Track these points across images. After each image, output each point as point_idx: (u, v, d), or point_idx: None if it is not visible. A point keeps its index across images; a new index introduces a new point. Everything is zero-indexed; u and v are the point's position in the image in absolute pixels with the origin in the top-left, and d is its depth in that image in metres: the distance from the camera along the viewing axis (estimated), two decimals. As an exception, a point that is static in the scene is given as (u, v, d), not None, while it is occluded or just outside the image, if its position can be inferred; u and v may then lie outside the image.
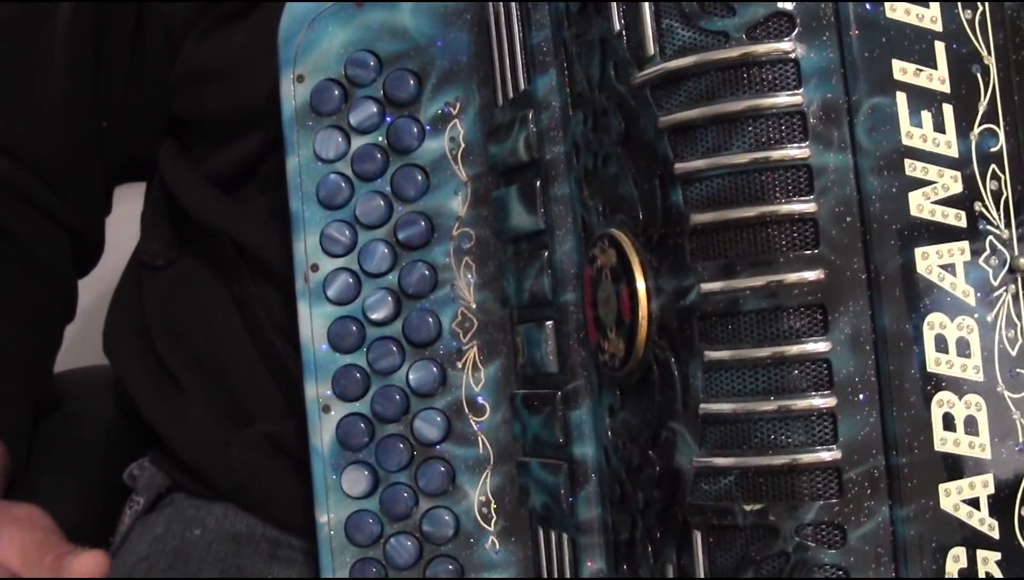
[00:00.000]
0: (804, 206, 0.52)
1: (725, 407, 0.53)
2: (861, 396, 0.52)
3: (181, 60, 0.76)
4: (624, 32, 0.56)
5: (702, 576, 0.54)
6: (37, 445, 0.85)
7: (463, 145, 0.68)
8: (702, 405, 0.53)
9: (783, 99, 0.52)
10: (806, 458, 0.52)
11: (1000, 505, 0.52)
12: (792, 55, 0.52)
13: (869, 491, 0.51)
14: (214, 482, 0.83)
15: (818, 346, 0.52)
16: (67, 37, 0.76)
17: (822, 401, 0.52)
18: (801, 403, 0.52)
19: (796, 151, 0.52)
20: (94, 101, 0.78)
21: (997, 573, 0.52)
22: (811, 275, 0.52)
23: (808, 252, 0.52)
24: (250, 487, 0.81)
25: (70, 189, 0.78)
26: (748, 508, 0.52)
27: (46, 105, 0.77)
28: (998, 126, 0.53)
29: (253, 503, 0.83)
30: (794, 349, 0.52)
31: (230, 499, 0.83)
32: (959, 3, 0.53)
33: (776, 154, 0.52)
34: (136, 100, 0.79)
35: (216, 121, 0.75)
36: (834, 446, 0.51)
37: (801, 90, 0.52)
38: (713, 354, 0.53)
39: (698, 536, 0.54)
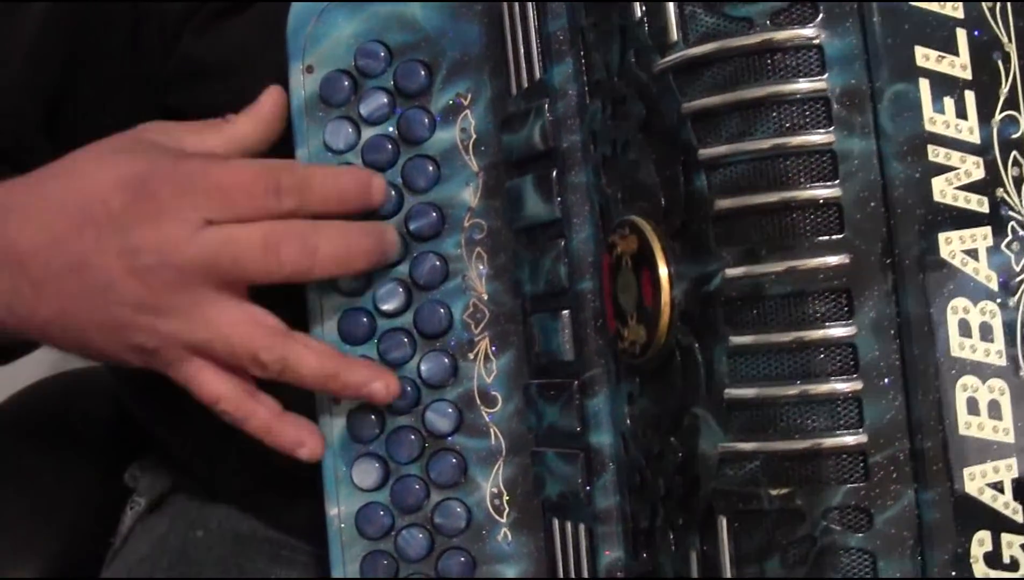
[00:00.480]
0: (828, 191, 0.52)
1: (750, 392, 0.53)
2: (886, 380, 0.52)
3: (177, 56, 0.76)
4: (645, 19, 0.56)
5: (727, 561, 0.54)
6: (38, 445, 0.84)
7: (474, 136, 0.68)
8: (727, 390, 0.53)
9: (807, 85, 0.52)
10: (831, 442, 0.52)
11: None
12: (816, 41, 0.52)
13: (895, 475, 0.52)
14: (216, 483, 0.82)
15: (843, 331, 0.52)
16: (39, 31, 0.75)
17: (847, 385, 0.52)
18: (826, 387, 0.52)
19: (820, 137, 0.52)
20: (64, 95, 0.77)
21: (1021, 556, 0.52)
22: (835, 260, 0.52)
23: (832, 237, 0.52)
24: (251, 489, 0.81)
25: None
26: (774, 493, 0.52)
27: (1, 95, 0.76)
28: (1019, 112, 0.54)
29: (254, 505, 0.82)
30: (819, 334, 0.52)
31: (232, 500, 0.83)
32: (980, -10, 0.53)
33: (800, 140, 0.52)
34: (131, 96, 0.78)
35: (212, 116, 0.75)
36: (860, 430, 0.52)
37: (825, 76, 0.52)
38: (738, 339, 0.53)
39: (723, 521, 0.54)
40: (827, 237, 0.52)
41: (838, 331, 0.52)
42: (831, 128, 0.52)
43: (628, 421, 0.60)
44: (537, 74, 0.64)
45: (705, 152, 0.54)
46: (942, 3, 0.53)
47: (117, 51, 0.75)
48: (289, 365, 0.63)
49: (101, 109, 0.76)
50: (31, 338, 0.67)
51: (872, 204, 0.52)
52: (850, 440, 0.52)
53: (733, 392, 0.53)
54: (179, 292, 0.61)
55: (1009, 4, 0.53)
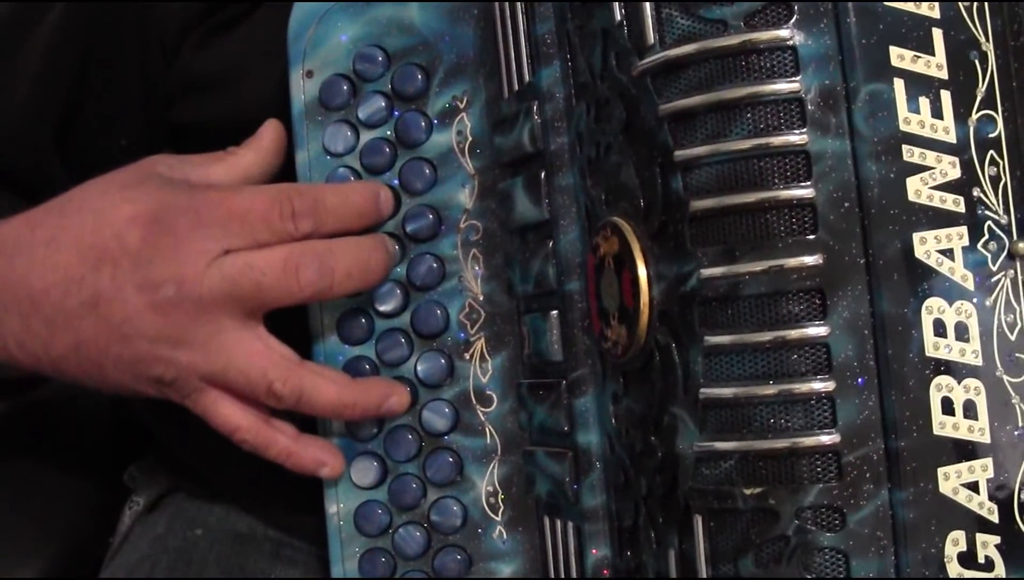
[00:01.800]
0: (802, 192, 0.52)
1: (725, 391, 0.53)
2: (860, 380, 0.52)
3: (177, 71, 0.76)
4: (625, 22, 0.56)
5: (703, 560, 0.54)
6: (38, 445, 0.86)
7: (470, 138, 0.69)
8: (702, 390, 0.54)
9: (781, 86, 0.52)
10: (806, 442, 0.52)
11: (1000, 489, 0.52)
12: (790, 42, 0.52)
13: (868, 474, 0.52)
14: (215, 482, 0.83)
15: (817, 330, 0.52)
16: (48, 52, 0.77)
17: (821, 385, 0.52)
18: (801, 387, 0.52)
19: (794, 137, 0.52)
20: (73, 114, 0.78)
21: (996, 557, 0.52)
22: (810, 260, 0.52)
23: (807, 237, 0.52)
24: (251, 488, 0.82)
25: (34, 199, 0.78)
26: (748, 492, 0.53)
27: (9, 117, 0.78)
28: (996, 112, 0.53)
29: (255, 503, 0.83)
30: (793, 333, 0.52)
31: (232, 499, 0.84)
32: (957, -10, 0.53)
33: (774, 140, 0.52)
34: (138, 114, 0.79)
35: (214, 129, 0.76)
36: (833, 430, 0.52)
37: (799, 77, 0.52)
38: (713, 339, 0.53)
39: (699, 520, 0.54)
40: (801, 237, 0.52)
41: (812, 331, 0.52)
42: (805, 129, 0.52)
43: (613, 420, 0.60)
44: (527, 76, 0.65)
45: (681, 153, 0.54)
46: (918, 3, 0.53)
47: (123, 70, 0.77)
48: (305, 396, 0.64)
49: (110, 128, 0.78)
50: (44, 374, 0.68)
51: (846, 204, 0.52)
52: (823, 440, 0.52)
53: (708, 392, 0.54)
54: (198, 323, 0.62)
55: (987, 4, 0.53)
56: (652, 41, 0.55)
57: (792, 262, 0.52)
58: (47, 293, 0.63)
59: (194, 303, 0.61)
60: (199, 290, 0.61)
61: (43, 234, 0.65)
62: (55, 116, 0.77)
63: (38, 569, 0.83)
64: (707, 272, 0.53)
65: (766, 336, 0.53)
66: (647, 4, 0.55)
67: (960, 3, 0.53)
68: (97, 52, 0.77)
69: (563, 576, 0.64)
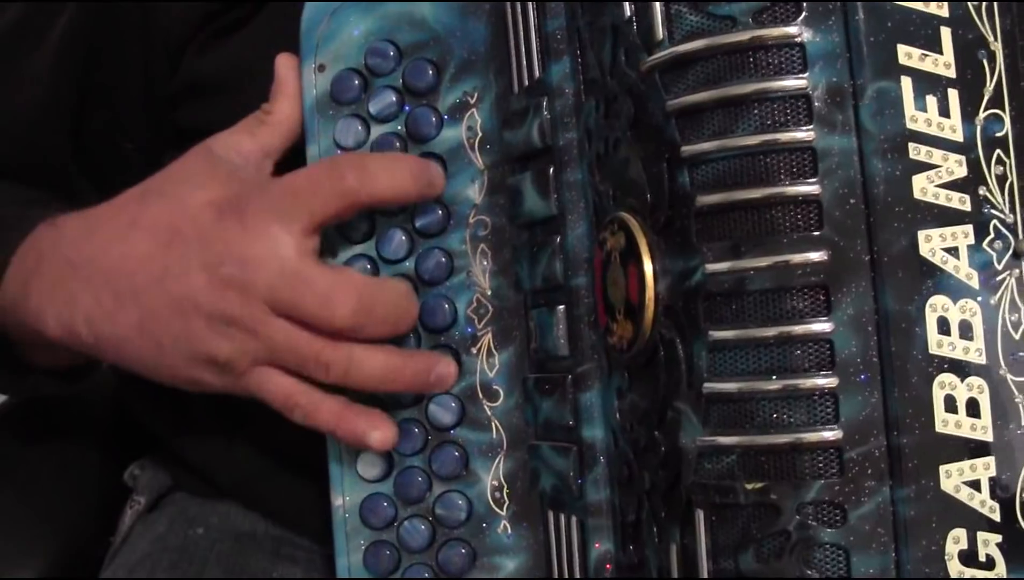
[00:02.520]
0: (808, 188, 0.52)
1: (729, 386, 0.53)
2: (863, 376, 0.52)
3: (182, 74, 0.77)
4: (634, 18, 0.57)
5: (704, 554, 0.54)
6: (38, 445, 0.86)
7: (480, 134, 0.69)
8: (706, 384, 0.54)
9: (789, 83, 0.53)
10: (808, 437, 0.52)
11: (1001, 488, 0.52)
12: (798, 39, 0.52)
13: (870, 471, 0.52)
14: (216, 480, 0.84)
15: (821, 326, 0.52)
16: (58, 55, 0.78)
17: (824, 381, 0.52)
18: (804, 383, 0.52)
19: (801, 134, 0.52)
20: (83, 117, 0.79)
21: (998, 555, 0.52)
22: (815, 256, 0.52)
23: (812, 233, 0.52)
24: (253, 485, 0.82)
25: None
26: (750, 487, 0.53)
27: (23, 119, 0.79)
28: (1004, 111, 0.54)
29: (256, 501, 0.83)
30: (798, 329, 0.52)
31: (233, 497, 0.84)
32: (966, -11, 0.53)
33: (781, 137, 0.53)
34: (140, 116, 0.80)
35: (220, 132, 0.76)
36: (835, 426, 0.52)
37: (806, 74, 0.52)
38: (717, 334, 0.54)
39: (700, 515, 0.54)
40: (806, 234, 0.52)
41: (816, 327, 0.52)
42: (812, 125, 0.52)
43: (618, 415, 0.60)
44: (537, 73, 0.65)
45: (688, 149, 0.54)
46: (927, 2, 0.53)
47: (127, 73, 0.77)
48: (355, 361, 0.65)
49: (116, 132, 0.79)
50: (106, 356, 0.69)
51: (852, 201, 0.52)
52: (826, 435, 0.52)
53: (712, 386, 0.54)
54: (252, 306, 0.64)
55: (995, 3, 0.53)
56: (661, 37, 0.55)
57: (797, 258, 0.52)
58: (121, 268, 0.66)
59: (249, 286, 0.63)
60: (256, 277, 0.63)
61: (123, 218, 0.68)
62: (67, 118, 0.78)
63: (38, 569, 0.83)
64: (712, 267, 0.54)
65: (770, 332, 0.53)
66: (657, 1, 0.55)
67: (969, 2, 0.53)
68: (102, 56, 0.77)
69: (567, 570, 0.64)
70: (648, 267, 0.56)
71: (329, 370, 0.64)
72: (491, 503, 0.69)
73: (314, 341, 0.64)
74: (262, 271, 0.63)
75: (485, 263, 0.69)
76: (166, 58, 0.76)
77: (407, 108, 0.70)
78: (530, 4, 0.65)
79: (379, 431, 0.67)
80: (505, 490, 0.69)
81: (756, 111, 0.53)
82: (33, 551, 0.84)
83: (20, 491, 0.84)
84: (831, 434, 0.52)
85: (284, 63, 0.70)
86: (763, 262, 0.53)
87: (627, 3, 0.57)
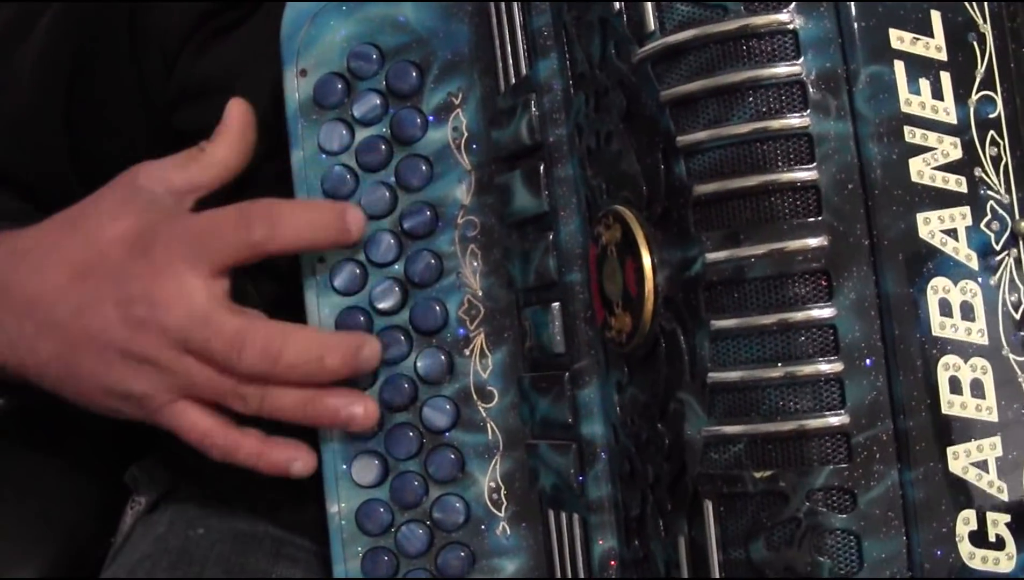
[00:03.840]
0: (806, 174, 0.52)
1: (733, 375, 0.53)
2: (867, 361, 0.52)
3: (178, 76, 0.77)
4: (624, 10, 0.56)
5: (714, 545, 0.54)
6: (38, 445, 0.85)
7: (466, 134, 0.69)
8: (710, 374, 0.54)
9: (782, 69, 0.53)
10: (814, 424, 0.52)
11: (1008, 467, 0.52)
12: (790, 26, 0.52)
13: (878, 455, 0.52)
14: (216, 481, 0.83)
15: (823, 312, 0.52)
16: (40, 56, 0.77)
17: (829, 367, 0.52)
18: (808, 369, 0.52)
19: (796, 120, 0.52)
20: (74, 119, 0.79)
21: (1007, 535, 0.52)
22: (814, 242, 0.52)
23: (811, 219, 0.52)
24: (252, 486, 0.81)
25: (47, 201, 0.78)
26: (758, 475, 0.53)
27: (10, 120, 0.79)
28: (995, 93, 0.54)
29: (255, 502, 0.83)
30: (800, 315, 0.52)
31: (233, 498, 0.83)
32: (954, -28, 0.53)
33: (776, 124, 0.53)
34: (134, 119, 0.79)
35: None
36: (842, 411, 0.52)
37: (800, 60, 0.52)
38: (719, 323, 0.53)
39: (709, 505, 0.54)
40: (805, 219, 0.52)
41: (818, 313, 0.52)
42: (807, 111, 0.52)
43: (618, 410, 0.60)
44: (523, 70, 0.65)
45: (683, 138, 0.54)
46: (916, -15, 0.53)
47: (117, 76, 0.76)
48: (269, 394, 0.65)
49: (109, 134, 0.78)
50: (29, 380, 0.70)
51: (850, 186, 0.52)
52: (833, 421, 0.52)
53: (716, 376, 0.54)
54: (163, 347, 0.65)
55: (984, -15, 0.54)
56: (652, 28, 0.55)
57: (796, 244, 0.52)
58: (41, 299, 0.67)
59: (160, 328, 0.65)
60: (165, 318, 0.64)
61: (46, 245, 0.69)
62: (58, 120, 0.77)
63: (39, 569, 0.82)
64: (712, 256, 0.53)
65: (772, 319, 0.53)
66: (647, -8, 0.55)
67: (958, -15, 0.53)
68: (89, 57, 0.76)
69: (569, 569, 0.64)
70: (646, 259, 0.56)
71: (246, 402, 0.65)
72: (489, 505, 0.69)
73: (228, 378, 0.65)
74: (171, 314, 0.64)
75: (475, 264, 0.69)
76: (162, 60, 0.75)
77: (391, 110, 0.70)
78: (515, 3, 0.64)
79: (300, 462, 0.67)
80: (503, 491, 0.69)
81: (751, 99, 0.53)
82: (33, 551, 0.83)
83: (21, 491, 0.83)
84: (837, 419, 0.52)
85: (234, 107, 0.70)
86: (763, 249, 0.53)
87: (616, -4, 0.57)
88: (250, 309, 0.67)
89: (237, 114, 0.70)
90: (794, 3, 0.52)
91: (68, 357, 0.67)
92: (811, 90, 0.52)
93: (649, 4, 0.55)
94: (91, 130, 0.78)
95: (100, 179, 0.70)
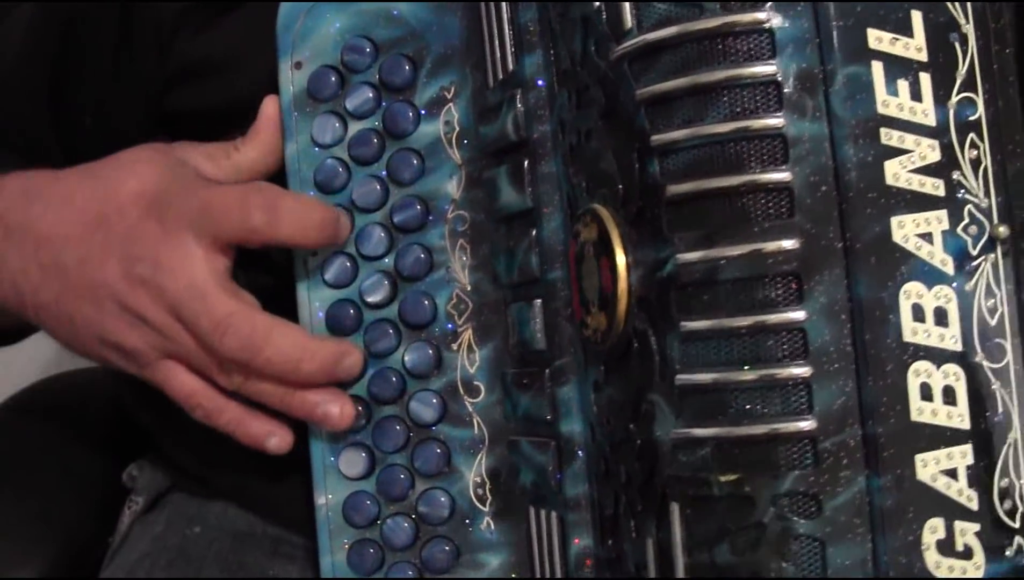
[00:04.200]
0: (779, 175, 0.52)
1: (702, 377, 0.53)
2: (837, 365, 0.51)
3: (173, 57, 0.77)
4: (603, 7, 0.56)
5: (679, 547, 0.53)
6: (37, 445, 0.86)
7: (457, 128, 0.69)
8: (679, 376, 0.53)
9: (758, 69, 0.52)
10: (782, 428, 0.51)
11: (978, 476, 0.51)
12: (767, 25, 0.52)
13: (845, 461, 0.51)
14: (213, 481, 0.84)
15: (794, 315, 0.51)
16: (28, 29, 0.78)
17: (798, 370, 0.51)
18: (778, 372, 0.52)
19: (771, 120, 0.52)
20: (60, 94, 0.79)
21: (976, 544, 0.51)
22: (787, 244, 0.51)
23: (784, 221, 0.52)
24: (248, 485, 0.82)
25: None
26: (724, 479, 0.52)
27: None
28: (976, 95, 0.53)
29: (252, 501, 0.83)
30: (771, 318, 0.52)
31: (230, 497, 0.84)
32: (937, -29, 0.52)
33: (751, 124, 0.52)
34: (126, 98, 0.79)
35: (211, 114, 0.77)
36: (810, 416, 0.51)
37: (776, 60, 0.52)
38: (690, 324, 0.53)
39: (675, 508, 0.54)
40: (778, 221, 0.52)
41: (789, 315, 0.52)
42: (782, 112, 0.52)
43: (595, 409, 0.60)
44: (511, 66, 0.64)
45: (658, 137, 0.54)
46: (897, -16, 0.52)
47: (107, 53, 0.77)
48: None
49: (97, 112, 0.78)
50: (28, 319, 0.71)
51: (823, 188, 0.52)
52: (800, 426, 0.51)
53: (685, 378, 0.53)
54: (159, 309, 0.65)
55: (967, -15, 0.53)
56: (630, 26, 0.55)
57: (769, 246, 0.52)
58: (50, 241, 0.68)
59: (159, 290, 0.65)
60: (166, 282, 0.65)
61: (63, 189, 0.69)
62: (45, 93, 0.78)
63: (38, 569, 0.83)
64: (684, 257, 0.53)
65: (743, 321, 0.52)
66: (625, -12, 0.54)
67: (940, -16, 0.52)
68: (78, 33, 0.77)
69: (548, 566, 0.64)
70: (620, 259, 0.56)
71: (229, 378, 0.66)
72: (474, 500, 0.69)
73: (210, 355, 0.66)
74: (171, 280, 0.65)
75: (464, 258, 0.69)
76: (156, 40, 0.76)
77: (384, 104, 0.70)
78: (503, -2, 0.64)
79: (276, 438, 0.68)
80: (488, 486, 0.69)
81: (726, 98, 0.52)
82: (33, 551, 0.84)
83: (20, 491, 0.84)
84: (805, 424, 0.51)
85: (268, 107, 0.71)
86: (735, 251, 0.52)
87: (596, -8, 0.56)
88: (246, 294, 0.67)
89: (270, 116, 0.70)
90: (771, 2, 0.52)
91: (67, 302, 0.67)
92: (787, 90, 0.52)
93: (627, 2, 0.55)
94: (77, 106, 0.79)
95: (86, 156, 0.71)
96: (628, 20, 0.55)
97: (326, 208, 0.68)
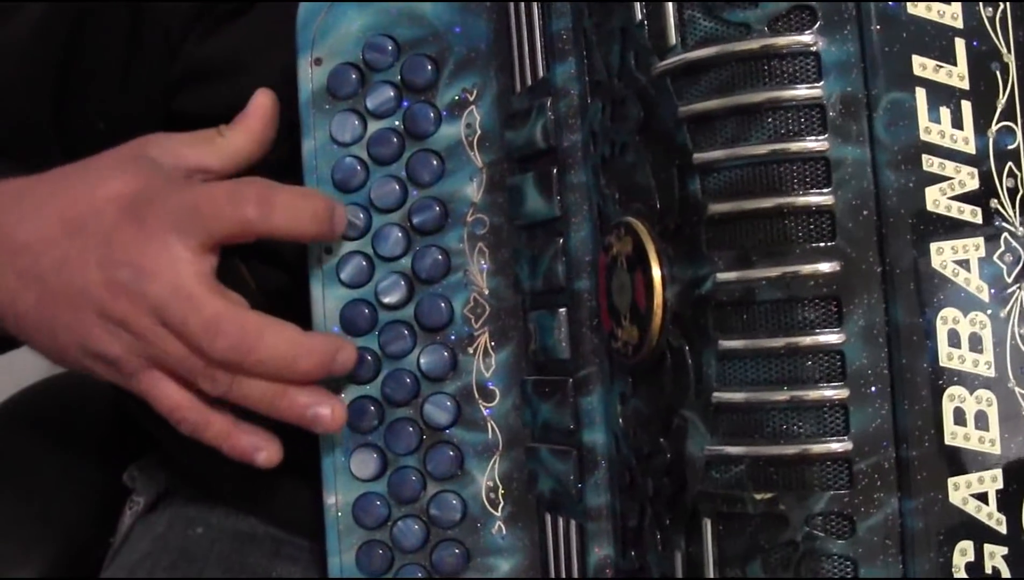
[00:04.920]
0: (821, 198, 0.52)
1: (738, 396, 0.53)
2: (873, 388, 0.52)
3: (182, 60, 0.76)
4: (646, 21, 0.56)
5: (711, 563, 0.54)
6: (37, 445, 0.85)
7: (479, 131, 0.69)
8: (715, 394, 0.54)
9: (803, 92, 0.52)
10: (817, 448, 0.52)
11: (1008, 500, 0.52)
12: (813, 48, 0.52)
13: (879, 483, 0.52)
14: (214, 482, 0.83)
15: (831, 338, 0.52)
16: (35, 30, 0.76)
17: (834, 392, 0.52)
18: (813, 394, 0.52)
19: (814, 144, 0.52)
20: (65, 96, 0.78)
21: (1004, 568, 0.52)
22: (826, 267, 0.52)
23: (824, 244, 0.52)
24: (249, 486, 0.82)
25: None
26: (758, 497, 0.53)
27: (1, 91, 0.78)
28: (1016, 124, 0.54)
29: (252, 502, 0.83)
30: (808, 340, 0.52)
31: (231, 499, 0.83)
32: (980, 1, 0.53)
33: (794, 146, 0.52)
34: (134, 102, 0.78)
35: (218, 118, 0.76)
36: (845, 437, 0.52)
37: (821, 83, 0.52)
38: (727, 343, 0.53)
39: (707, 524, 0.54)
40: (818, 244, 0.52)
41: (826, 338, 0.52)
42: (825, 135, 0.52)
43: (620, 420, 0.60)
44: (540, 72, 0.64)
45: (700, 156, 0.54)
46: (941, 12, 0.53)
47: (115, 55, 0.76)
48: (238, 379, 0.64)
49: (103, 113, 0.77)
50: (7, 330, 0.69)
51: (864, 212, 0.52)
52: (835, 447, 0.52)
53: (721, 396, 0.54)
54: (140, 314, 0.64)
55: (1009, 15, 0.53)
56: (674, 42, 0.55)
57: (808, 269, 0.52)
58: (27, 248, 0.66)
59: (140, 296, 0.64)
60: (148, 287, 0.63)
61: (37, 196, 0.68)
62: (48, 96, 0.77)
63: (38, 569, 0.82)
64: (722, 276, 0.53)
65: (780, 342, 0.53)
66: (669, 4, 0.54)
67: (983, 13, 0.53)
68: (86, 35, 0.76)
69: (564, 573, 0.64)
70: (656, 273, 0.56)
71: (215, 383, 0.65)
72: (486, 504, 0.69)
73: (199, 359, 0.64)
74: (155, 284, 0.63)
75: (483, 262, 0.69)
76: (164, 42, 0.74)
77: (405, 104, 0.69)
78: (535, 3, 0.64)
79: (265, 453, 0.67)
80: (500, 491, 0.69)
81: (769, 120, 0.53)
82: (33, 551, 0.83)
83: (20, 492, 0.83)
84: (840, 445, 0.52)
85: (259, 96, 0.70)
86: (774, 272, 0.52)
87: (638, 6, 0.56)
88: (234, 294, 0.66)
89: (261, 104, 0.69)
90: (818, 25, 0.52)
91: (46, 310, 0.66)
92: (831, 114, 0.52)
93: (671, 17, 0.55)
94: (81, 109, 0.77)
95: (79, 154, 0.69)
96: (672, 36, 0.55)
97: (320, 198, 0.67)
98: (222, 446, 0.67)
